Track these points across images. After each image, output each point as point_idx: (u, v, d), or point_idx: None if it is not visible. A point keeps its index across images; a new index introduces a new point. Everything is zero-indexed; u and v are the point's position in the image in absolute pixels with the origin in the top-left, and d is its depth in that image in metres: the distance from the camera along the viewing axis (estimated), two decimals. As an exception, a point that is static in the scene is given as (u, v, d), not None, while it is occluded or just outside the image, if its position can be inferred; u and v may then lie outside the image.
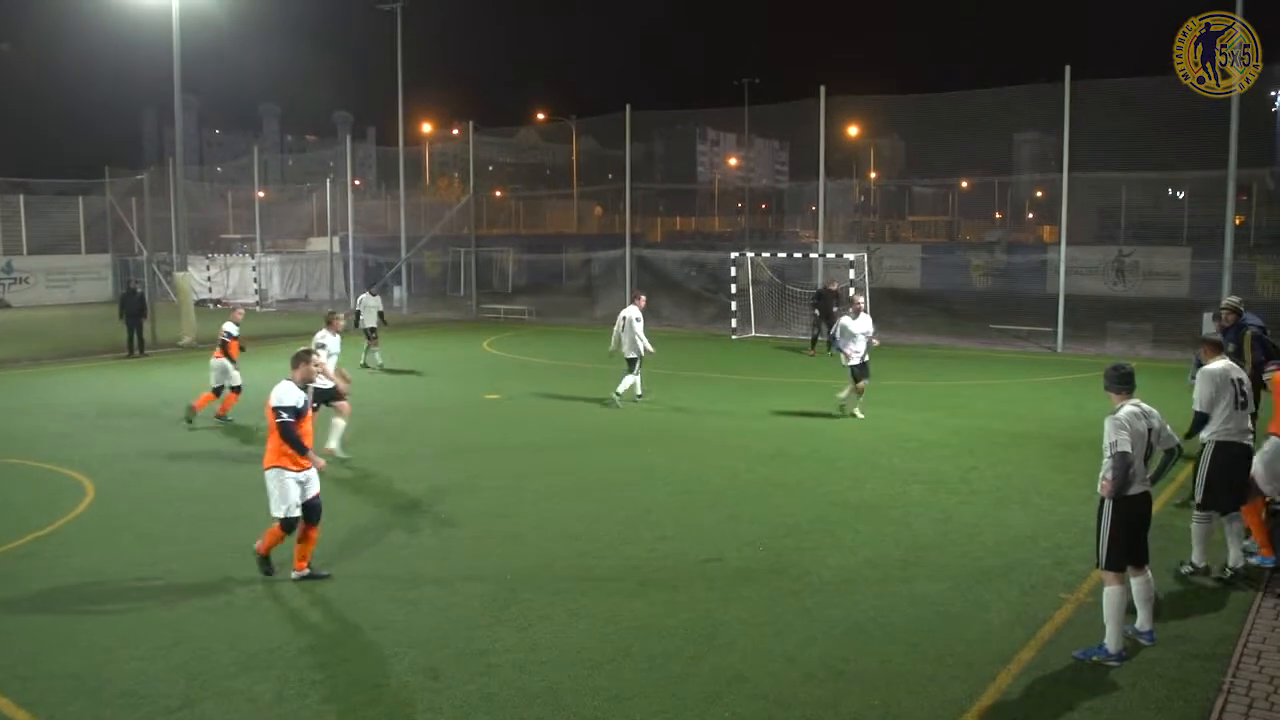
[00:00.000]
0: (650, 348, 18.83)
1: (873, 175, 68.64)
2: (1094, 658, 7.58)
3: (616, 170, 41.64)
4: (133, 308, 27.35)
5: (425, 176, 53.73)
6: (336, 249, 42.34)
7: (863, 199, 64.04)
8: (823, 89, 31.04)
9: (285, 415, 9.25)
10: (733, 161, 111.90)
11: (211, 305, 43.92)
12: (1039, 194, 60.91)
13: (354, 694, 7.21)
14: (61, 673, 7.60)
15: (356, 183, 47.95)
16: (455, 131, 58.18)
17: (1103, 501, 7.68)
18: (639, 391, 18.96)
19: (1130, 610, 7.84)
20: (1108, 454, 7.56)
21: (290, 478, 9.32)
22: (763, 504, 12.12)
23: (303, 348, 10.05)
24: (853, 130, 54.56)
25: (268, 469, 9.39)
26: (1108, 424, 7.63)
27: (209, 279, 46.25)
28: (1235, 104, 24.25)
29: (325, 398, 13.23)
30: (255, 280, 45.74)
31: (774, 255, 34.39)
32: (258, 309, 43.63)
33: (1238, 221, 29.84)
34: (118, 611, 8.83)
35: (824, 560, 10.00)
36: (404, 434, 16.54)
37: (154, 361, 26.29)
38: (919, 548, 10.39)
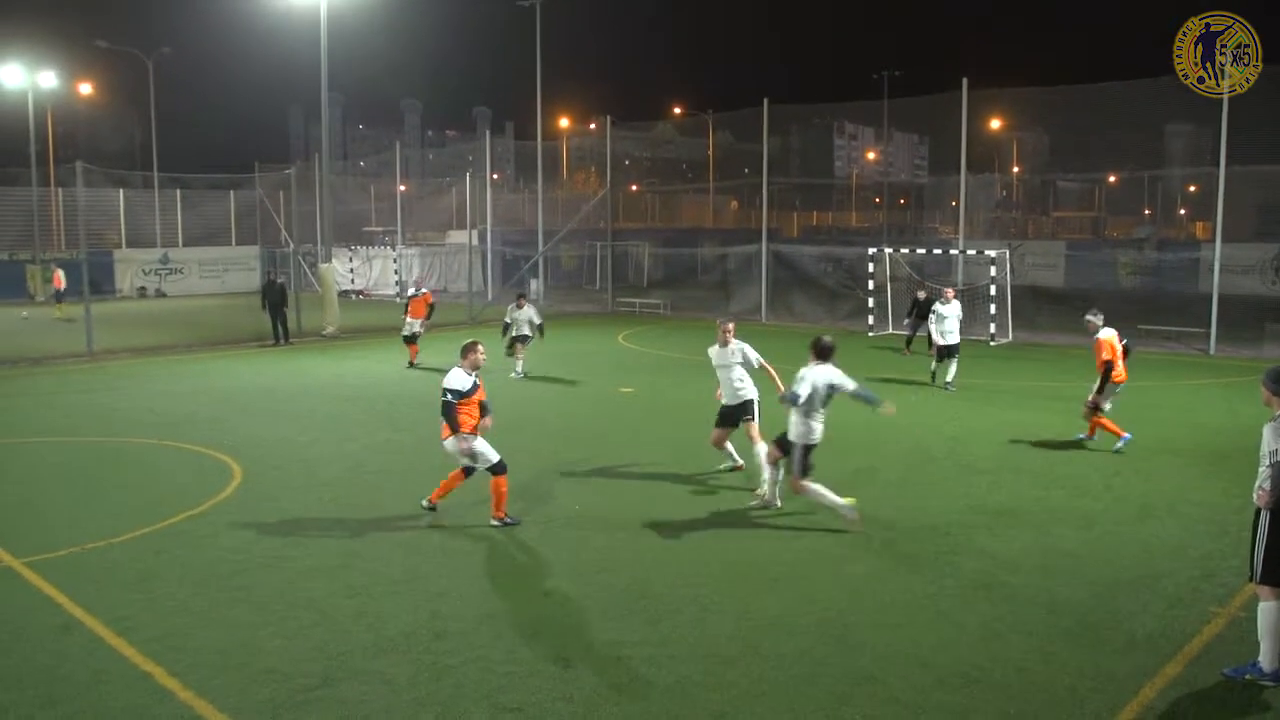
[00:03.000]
0: (944, 340, 20.01)
1: (1015, 169, 66.76)
2: (1247, 676, 7.23)
3: (752, 164, 41.43)
4: (274, 298, 28.28)
5: (563, 171, 54.35)
6: (475, 242, 43.12)
7: (1004, 194, 62.50)
8: (965, 81, 30.38)
9: (449, 396, 10.81)
10: (871, 155, 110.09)
11: (354, 296, 45.20)
12: (1191, 189, 58.54)
13: (486, 680, 7.32)
14: (209, 647, 7.91)
15: (495, 177, 48.72)
16: (592, 126, 58.75)
17: (1259, 512, 7.31)
18: (947, 379, 20.06)
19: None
20: (1266, 463, 7.16)
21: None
22: (898, 504, 11.91)
23: (470, 339, 11.44)
24: (995, 123, 53.35)
25: (473, 432, 10.90)
26: (1267, 431, 7.23)
27: (352, 270, 47.59)
28: None
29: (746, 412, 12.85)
30: (396, 272, 46.84)
31: (912, 251, 33.76)
32: (399, 300, 44.72)
33: None
34: (262, 591, 9.13)
35: (960, 564, 9.78)
36: (546, 426, 16.70)
37: (298, 350, 27.18)
38: (1059, 554, 10.08)
